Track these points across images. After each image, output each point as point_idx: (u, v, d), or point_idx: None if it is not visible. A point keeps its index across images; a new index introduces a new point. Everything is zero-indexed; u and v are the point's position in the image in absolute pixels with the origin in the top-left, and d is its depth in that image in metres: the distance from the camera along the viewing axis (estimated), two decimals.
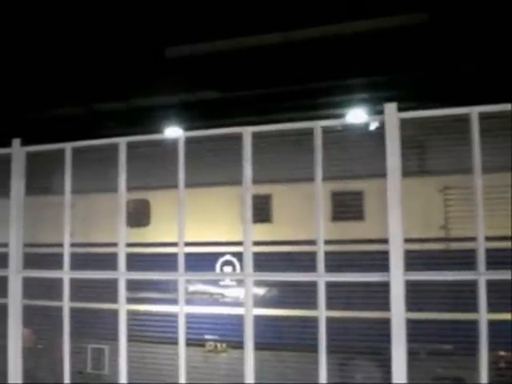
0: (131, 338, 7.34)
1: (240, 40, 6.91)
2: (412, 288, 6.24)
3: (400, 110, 6.44)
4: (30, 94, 7.95)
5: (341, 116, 6.95)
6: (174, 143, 7.33)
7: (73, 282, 7.66)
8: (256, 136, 6.96)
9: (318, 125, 6.74)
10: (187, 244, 7.15)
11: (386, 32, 6.42)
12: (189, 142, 7.29)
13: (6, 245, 7.95)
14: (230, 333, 7.36)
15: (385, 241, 6.33)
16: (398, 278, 6.23)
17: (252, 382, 6.72)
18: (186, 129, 7.46)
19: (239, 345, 6.89)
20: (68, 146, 7.78)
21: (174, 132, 7.53)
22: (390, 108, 6.46)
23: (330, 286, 6.56)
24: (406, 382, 6.13)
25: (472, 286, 6.12)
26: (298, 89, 7.27)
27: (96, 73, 7.62)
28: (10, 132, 8.08)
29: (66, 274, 7.66)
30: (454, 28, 6.11)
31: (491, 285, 6.06)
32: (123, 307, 7.35)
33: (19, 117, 8.24)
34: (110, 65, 7.52)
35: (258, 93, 7.52)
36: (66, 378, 7.56)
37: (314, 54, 6.88)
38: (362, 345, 6.61)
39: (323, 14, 6.43)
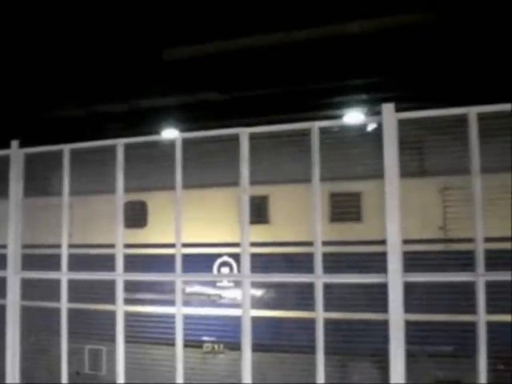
0: (129, 339, 7.33)
1: (238, 41, 6.87)
2: (410, 289, 6.20)
3: (398, 110, 6.41)
4: (28, 95, 7.94)
5: (339, 117, 6.92)
6: (171, 145, 7.32)
7: (71, 283, 7.66)
8: (253, 137, 6.94)
9: (316, 126, 6.73)
10: (184, 245, 7.15)
11: (383, 33, 6.37)
12: (186, 143, 7.28)
13: (4, 246, 7.97)
14: (227, 334, 7.32)
15: (383, 242, 6.30)
16: (396, 280, 6.19)
17: (249, 383, 6.69)
18: (186, 130, 7.45)
19: (237, 346, 6.88)
20: (66, 148, 7.80)
21: (171, 133, 7.52)
22: (388, 108, 6.44)
23: (327, 287, 6.53)
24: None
25: (471, 287, 6.08)
26: (296, 90, 7.23)
27: (94, 74, 7.60)
28: (9, 133, 8.11)
29: (63, 275, 7.67)
30: (451, 28, 6.06)
31: (490, 286, 6.02)
32: (121, 308, 7.35)
33: (18, 118, 8.24)
34: (109, 66, 7.49)
35: (257, 94, 7.48)
36: (64, 379, 7.57)
37: (312, 55, 6.82)
38: (361, 346, 6.57)
39: (322, 14, 6.38)
